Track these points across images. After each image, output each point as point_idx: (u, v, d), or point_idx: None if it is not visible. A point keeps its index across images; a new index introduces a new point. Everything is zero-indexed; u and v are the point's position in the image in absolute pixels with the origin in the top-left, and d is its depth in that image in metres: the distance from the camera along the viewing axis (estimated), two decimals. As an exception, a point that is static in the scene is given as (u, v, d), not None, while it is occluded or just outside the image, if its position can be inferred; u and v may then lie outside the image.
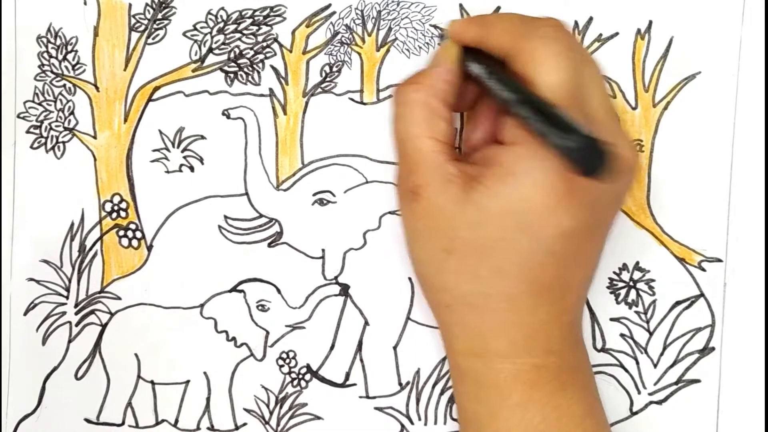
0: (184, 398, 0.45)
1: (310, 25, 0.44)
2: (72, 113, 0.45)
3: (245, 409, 0.45)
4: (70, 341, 0.46)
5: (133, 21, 0.45)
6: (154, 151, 0.45)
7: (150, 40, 0.45)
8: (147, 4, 0.45)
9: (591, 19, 0.43)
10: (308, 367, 0.45)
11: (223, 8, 0.44)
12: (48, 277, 0.46)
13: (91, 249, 0.45)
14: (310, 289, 0.45)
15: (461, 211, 0.36)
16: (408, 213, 0.38)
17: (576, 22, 0.43)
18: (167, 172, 0.45)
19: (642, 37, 0.43)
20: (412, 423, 0.45)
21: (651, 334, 0.43)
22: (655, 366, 0.44)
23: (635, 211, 0.43)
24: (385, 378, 0.45)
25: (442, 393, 0.44)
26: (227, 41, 0.44)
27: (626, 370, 0.44)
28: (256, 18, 0.44)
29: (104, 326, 0.45)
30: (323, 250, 0.44)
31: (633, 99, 0.43)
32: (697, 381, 0.43)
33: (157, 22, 0.45)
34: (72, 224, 0.45)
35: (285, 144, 0.44)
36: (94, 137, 0.45)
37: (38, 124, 0.45)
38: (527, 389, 0.37)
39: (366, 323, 0.45)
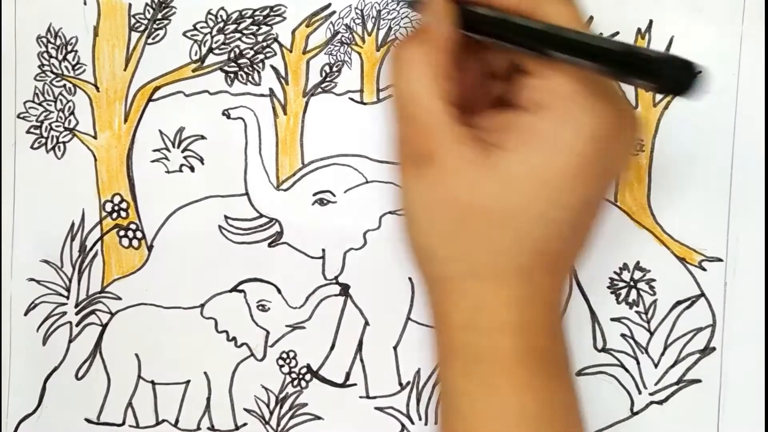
0: (184, 398, 0.45)
1: (310, 25, 0.44)
2: (72, 113, 0.45)
3: (245, 409, 0.45)
4: (70, 341, 0.46)
5: (133, 21, 0.45)
6: (154, 151, 0.45)
7: (150, 40, 0.45)
8: (147, 4, 0.45)
9: (591, 18, 0.43)
10: (308, 367, 0.45)
11: (223, 8, 0.44)
12: (48, 277, 0.46)
13: (91, 249, 0.45)
14: (310, 289, 0.45)
15: (481, 176, 0.33)
16: (415, 181, 0.35)
17: (576, 22, 0.43)
18: (167, 172, 0.45)
19: (642, 36, 0.43)
20: (412, 423, 0.45)
21: (652, 334, 0.43)
22: (656, 366, 0.43)
23: (635, 211, 0.43)
24: (385, 378, 0.45)
25: (442, 393, 0.44)
26: (227, 41, 0.44)
27: (627, 370, 0.44)
28: (256, 18, 0.44)
29: (105, 326, 0.45)
30: (323, 250, 0.44)
31: (633, 99, 0.43)
32: (698, 381, 0.43)
33: (157, 22, 0.45)
34: (72, 224, 0.45)
35: (285, 144, 0.44)
36: (95, 137, 0.45)
37: (38, 124, 0.45)
38: (527, 371, 0.34)
39: (366, 323, 0.45)
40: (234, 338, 0.45)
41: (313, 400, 0.45)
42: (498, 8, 0.34)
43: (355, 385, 0.44)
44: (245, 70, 0.44)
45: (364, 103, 0.44)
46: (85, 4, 0.45)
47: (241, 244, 0.45)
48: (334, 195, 0.44)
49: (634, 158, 0.43)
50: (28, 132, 0.46)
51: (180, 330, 0.45)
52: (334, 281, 0.44)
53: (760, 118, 0.42)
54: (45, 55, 0.45)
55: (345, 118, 0.44)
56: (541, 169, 0.33)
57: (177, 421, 0.45)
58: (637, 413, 0.44)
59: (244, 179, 0.45)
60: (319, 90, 0.44)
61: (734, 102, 0.42)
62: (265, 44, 0.44)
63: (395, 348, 0.45)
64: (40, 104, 0.45)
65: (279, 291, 0.45)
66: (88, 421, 0.46)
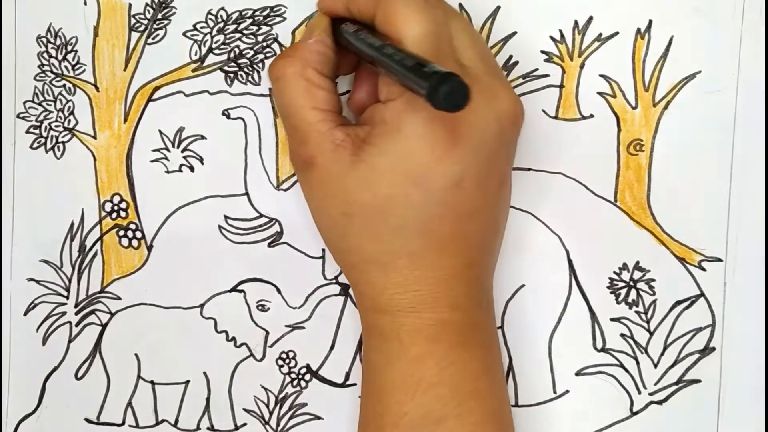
0: (184, 398, 0.45)
1: (310, 25, 0.44)
2: (72, 113, 0.45)
3: (245, 409, 0.45)
4: (70, 341, 0.46)
5: (133, 21, 0.45)
6: (154, 151, 0.45)
7: (150, 40, 0.45)
8: (147, 4, 0.45)
9: (591, 18, 0.43)
10: (308, 367, 0.45)
11: (223, 8, 0.44)
12: (48, 277, 0.46)
13: (91, 249, 0.45)
14: (310, 288, 0.45)
15: (353, 173, 0.36)
16: (305, 183, 0.39)
17: (576, 22, 0.43)
18: (167, 172, 0.45)
19: (642, 36, 0.43)
20: (412, 423, 0.45)
21: (651, 334, 0.43)
22: (656, 366, 0.43)
23: (635, 210, 0.43)
24: (385, 378, 0.45)
25: (442, 393, 0.44)
26: (227, 41, 0.44)
27: (626, 370, 0.44)
28: (256, 18, 0.44)
29: (104, 326, 0.45)
30: (323, 250, 0.44)
31: (633, 98, 0.43)
32: (698, 381, 0.43)
33: (157, 22, 0.45)
34: (72, 224, 0.45)
35: (285, 144, 0.44)
36: (94, 137, 0.45)
37: (38, 124, 0.45)
38: (427, 343, 0.37)
39: (366, 323, 0.45)
40: (233, 338, 0.45)
41: (313, 400, 0.45)
42: (361, 24, 0.38)
43: (354, 385, 0.44)
44: (245, 70, 0.44)
45: (364, 103, 0.44)
46: (85, 4, 0.45)
47: (240, 244, 0.45)
48: (333, 195, 0.44)
49: (633, 158, 0.43)
50: (27, 132, 0.46)
51: (179, 330, 0.45)
52: (334, 281, 0.44)
53: (759, 118, 0.43)
54: (45, 55, 0.45)
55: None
56: (398, 157, 0.36)
57: (177, 421, 0.45)
58: (636, 413, 0.44)
59: (244, 179, 0.45)
60: (319, 90, 0.44)
61: (734, 102, 0.43)
62: (265, 44, 0.44)
63: (395, 348, 0.44)
64: (39, 104, 0.45)
65: (279, 291, 0.45)
66: (88, 421, 0.46)
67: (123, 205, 0.45)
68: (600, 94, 0.43)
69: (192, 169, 0.45)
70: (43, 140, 0.45)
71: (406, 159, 0.36)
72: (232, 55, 0.44)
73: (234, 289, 0.45)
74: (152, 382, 0.45)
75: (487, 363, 0.39)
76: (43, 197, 0.46)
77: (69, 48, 0.45)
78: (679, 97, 0.43)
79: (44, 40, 0.45)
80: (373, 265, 0.38)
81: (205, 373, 0.45)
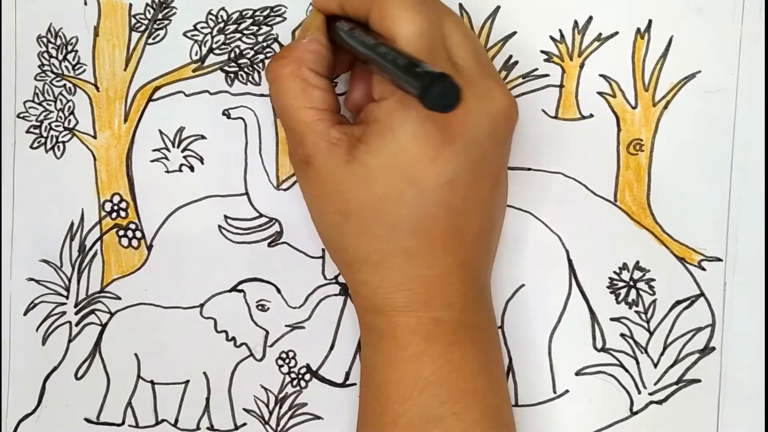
0: (183, 398, 0.45)
1: (310, 25, 0.44)
2: (72, 113, 0.45)
3: (245, 409, 0.45)
4: (70, 341, 0.46)
5: (133, 21, 0.45)
6: (154, 150, 0.45)
7: (150, 40, 0.45)
8: (147, 4, 0.45)
9: (591, 18, 0.43)
10: (308, 366, 0.45)
11: (223, 8, 0.44)
12: (48, 277, 0.46)
13: (90, 249, 0.45)
14: (310, 288, 0.45)
15: (348, 172, 0.37)
16: (303, 182, 0.39)
17: (576, 22, 0.43)
18: (167, 171, 0.45)
19: (642, 36, 0.43)
20: (412, 423, 0.45)
21: (651, 333, 0.43)
22: (656, 366, 0.43)
23: (635, 210, 0.43)
24: (385, 378, 0.45)
25: (442, 393, 0.44)
26: (227, 41, 0.44)
27: (626, 370, 0.44)
28: (256, 18, 0.44)
29: (104, 326, 0.45)
30: (323, 250, 0.44)
31: (633, 98, 0.43)
32: (698, 381, 0.43)
33: (158, 22, 0.45)
34: (72, 224, 0.45)
35: (285, 144, 0.44)
36: (94, 137, 0.45)
37: (38, 123, 0.45)
38: (423, 342, 0.38)
39: (366, 323, 0.45)
40: (233, 338, 0.45)
41: (313, 399, 0.45)
42: (356, 22, 0.38)
43: (354, 384, 0.44)
44: (245, 70, 0.44)
45: (364, 103, 0.44)
46: (85, 4, 0.45)
47: (240, 243, 0.45)
48: (333, 195, 0.44)
49: (633, 158, 0.43)
50: (27, 132, 0.46)
51: (179, 330, 0.45)
52: (333, 281, 0.45)
53: (759, 117, 0.43)
54: (45, 55, 0.45)
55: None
56: (391, 156, 0.36)
57: (176, 420, 0.45)
58: (636, 413, 0.44)
59: (244, 179, 0.45)
60: (319, 90, 0.44)
61: (734, 102, 0.43)
62: (265, 44, 0.44)
63: (395, 348, 0.44)
64: (39, 104, 0.45)
65: (279, 291, 0.45)
66: (88, 420, 0.46)
67: (123, 204, 0.45)
68: (600, 93, 0.43)
69: (192, 169, 0.45)
70: (43, 140, 0.46)
71: (399, 158, 0.36)
72: (232, 55, 0.44)
73: (234, 289, 0.45)
74: (152, 382, 0.45)
75: (485, 361, 0.39)
76: (43, 197, 0.46)
77: (69, 48, 0.45)
78: (679, 97, 0.43)
79: (44, 40, 0.45)
80: (367, 264, 0.38)
81: (204, 372, 0.45)
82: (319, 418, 0.45)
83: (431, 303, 0.38)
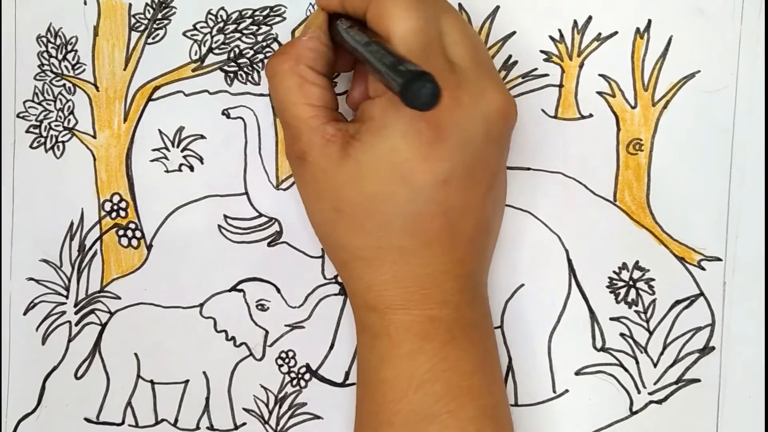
0: (183, 398, 0.45)
1: (310, 25, 0.44)
2: (72, 113, 0.45)
3: (244, 409, 0.45)
4: (69, 341, 0.46)
5: (133, 21, 0.45)
6: (153, 150, 0.45)
7: (150, 40, 0.45)
8: (147, 4, 0.45)
9: (590, 18, 0.43)
10: (308, 366, 0.45)
11: (223, 8, 0.44)
12: (48, 276, 0.46)
13: (90, 248, 0.45)
14: (309, 288, 0.45)
15: (342, 169, 0.37)
16: (298, 178, 0.39)
17: (575, 21, 0.43)
18: (167, 171, 0.45)
19: (641, 36, 0.43)
20: (411, 423, 0.45)
21: (651, 333, 0.43)
22: (655, 365, 0.43)
23: (634, 210, 0.43)
24: (384, 377, 0.45)
25: (441, 392, 0.44)
26: (227, 41, 0.44)
27: (626, 370, 0.44)
28: (256, 18, 0.44)
29: (104, 326, 0.45)
30: (323, 250, 0.44)
31: (632, 98, 0.43)
32: (697, 380, 0.43)
33: (157, 21, 0.45)
34: (71, 224, 0.45)
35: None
36: (94, 137, 0.45)
37: (38, 123, 0.45)
38: (417, 340, 0.38)
39: (365, 323, 0.45)
40: (233, 338, 0.45)
41: (313, 399, 0.45)
42: (356, 21, 0.38)
43: (354, 384, 0.44)
44: (245, 69, 0.44)
45: (364, 103, 0.44)
46: (85, 3, 0.45)
47: (240, 243, 0.45)
48: (333, 194, 0.44)
49: (633, 157, 0.43)
50: (27, 131, 0.46)
51: (179, 329, 0.45)
52: (333, 280, 0.45)
53: (759, 117, 0.43)
54: (45, 54, 0.45)
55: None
56: (384, 154, 0.36)
57: (176, 420, 0.45)
58: (636, 413, 0.44)
59: (243, 179, 0.45)
60: (319, 89, 0.44)
61: (733, 101, 0.43)
62: (265, 44, 0.44)
63: (394, 347, 0.44)
64: (39, 104, 0.45)
65: (278, 290, 0.45)
66: (88, 420, 0.46)
67: (123, 204, 0.45)
68: (599, 93, 0.43)
69: (192, 168, 0.45)
70: (42, 140, 0.46)
71: (392, 155, 0.36)
72: (232, 54, 0.44)
73: (233, 289, 0.45)
74: (152, 382, 0.45)
75: (481, 359, 0.39)
76: (43, 197, 0.46)
77: (69, 48, 0.45)
78: (679, 97, 0.43)
79: (44, 39, 0.45)
80: (361, 261, 0.38)
81: (204, 372, 0.45)
82: (318, 417, 0.45)
83: (426, 301, 0.38)
